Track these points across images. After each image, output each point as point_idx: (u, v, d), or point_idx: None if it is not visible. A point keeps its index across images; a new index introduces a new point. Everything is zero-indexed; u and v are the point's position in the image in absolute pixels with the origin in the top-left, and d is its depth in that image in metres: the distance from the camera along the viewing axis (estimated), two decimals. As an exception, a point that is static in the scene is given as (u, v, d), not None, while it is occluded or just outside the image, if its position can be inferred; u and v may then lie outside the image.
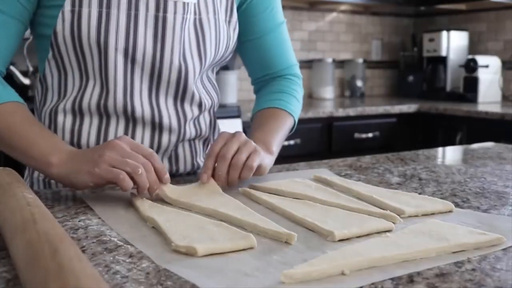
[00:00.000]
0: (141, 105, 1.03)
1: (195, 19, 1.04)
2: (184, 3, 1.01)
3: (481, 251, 0.64)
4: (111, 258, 0.62)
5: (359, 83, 3.75)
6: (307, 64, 3.67)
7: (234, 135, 0.94)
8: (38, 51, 1.06)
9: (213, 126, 1.19)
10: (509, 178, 1.05)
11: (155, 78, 1.03)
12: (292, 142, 2.76)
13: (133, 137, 1.04)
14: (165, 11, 1.00)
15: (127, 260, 0.61)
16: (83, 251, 0.64)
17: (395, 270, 0.58)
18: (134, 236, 0.69)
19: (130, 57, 1.00)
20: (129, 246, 0.66)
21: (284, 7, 1.23)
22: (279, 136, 1.09)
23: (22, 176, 0.87)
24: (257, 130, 1.09)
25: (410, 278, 0.56)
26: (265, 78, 1.22)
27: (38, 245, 0.54)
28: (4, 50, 0.98)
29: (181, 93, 1.06)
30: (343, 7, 3.76)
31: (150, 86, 1.03)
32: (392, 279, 0.56)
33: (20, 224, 0.61)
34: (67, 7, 0.95)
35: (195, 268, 0.59)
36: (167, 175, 0.86)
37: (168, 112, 1.05)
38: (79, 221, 0.76)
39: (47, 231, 0.57)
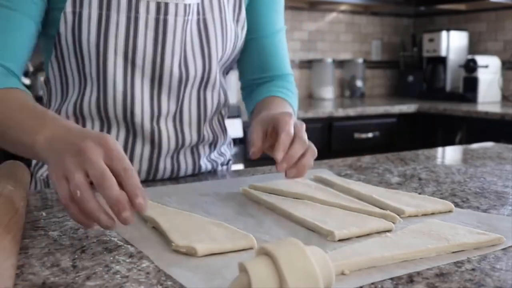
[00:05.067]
0: (142, 107, 1.01)
1: (198, 19, 1.02)
2: (185, 4, 0.99)
3: (481, 251, 0.64)
4: (111, 258, 0.62)
5: (359, 83, 3.75)
6: (307, 64, 3.67)
7: (297, 136, 0.88)
8: (43, 51, 1.06)
9: (221, 128, 1.17)
10: (509, 178, 1.05)
11: (156, 82, 1.01)
12: (292, 142, 2.75)
13: (133, 145, 1.03)
14: (166, 13, 0.98)
15: (127, 260, 0.61)
16: (83, 251, 0.64)
17: (395, 270, 0.58)
18: (134, 236, 0.69)
19: (130, 60, 0.98)
20: (129, 246, 0.66)
21: (284, 7, 1.21)
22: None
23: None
24: (269, 109, 1.03)
25: (410, 278, 0.56)
26: (259, 82, 1.18)
27: None
28: (20, 51, 0.92)
29: (181, 97, 1.04)
30: (343, 7, 3.76)
31: (151, 91, 1.01)
32: (392, 279, 0.56)
33: None
34: (68, 8, 0.94)
35: (195, 268, 0.59)
36: (140, 200, 0.63)
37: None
38: (79, 221, 0.76)
39: None
